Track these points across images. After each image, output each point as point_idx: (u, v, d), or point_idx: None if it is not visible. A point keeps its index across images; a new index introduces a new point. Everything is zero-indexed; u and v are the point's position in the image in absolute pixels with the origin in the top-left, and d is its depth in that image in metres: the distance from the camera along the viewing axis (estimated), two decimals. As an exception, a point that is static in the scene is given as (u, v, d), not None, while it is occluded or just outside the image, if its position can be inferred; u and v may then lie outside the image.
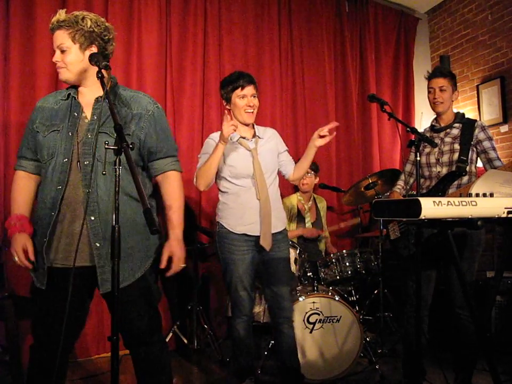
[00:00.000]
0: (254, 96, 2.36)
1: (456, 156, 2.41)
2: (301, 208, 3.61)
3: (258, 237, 2.31)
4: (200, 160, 2.42)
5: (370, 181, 3.36)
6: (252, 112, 2.36)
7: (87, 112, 1.73)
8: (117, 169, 1.44)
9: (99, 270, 1.66)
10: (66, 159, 1.67)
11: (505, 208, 1.55)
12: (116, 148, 1.41)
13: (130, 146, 1.39)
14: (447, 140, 2.48)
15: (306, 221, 3.58)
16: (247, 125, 2.40)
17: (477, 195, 1.56)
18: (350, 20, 4.51)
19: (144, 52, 3.51)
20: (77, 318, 1.74)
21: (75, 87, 1.78)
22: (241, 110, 2.34)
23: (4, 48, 3.04)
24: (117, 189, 1.43)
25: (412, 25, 4.84)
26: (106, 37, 1.75)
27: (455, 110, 2.60)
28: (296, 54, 4.20)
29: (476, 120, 2.50)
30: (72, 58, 1.70)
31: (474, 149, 2.44)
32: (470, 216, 1.52)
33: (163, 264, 1.72)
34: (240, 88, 2.32)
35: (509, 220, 1.57)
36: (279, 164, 2.49)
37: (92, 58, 1.61)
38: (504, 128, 4.05)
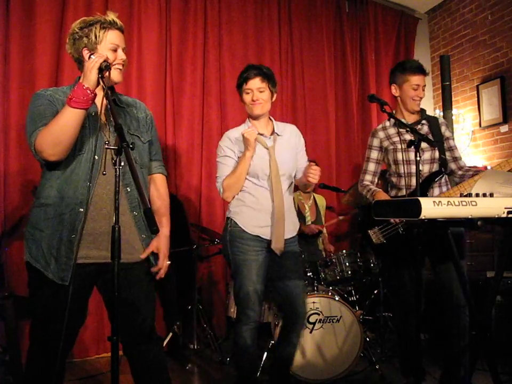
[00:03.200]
0: (261, 91, 2.17)
1: (437, 153, 2.33)
2: (301, 207, 3.62)
3: (270, 240, 2.19)
4: (219, 166, 2.26)
5: (370, 181, 3.36)
6: (260, 103, 2.18)
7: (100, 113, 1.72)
8: (117, 169, 1.45)
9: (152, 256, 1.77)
10: (97, 157, 1.65)
11: (505, 208, 1.55)
12: (116, 147, 1.42)
13: (131, 146, 1.39)
14: None
15: (306, 220, 3.60)
16: (254, 118, 2.25)
17: (477, 195, 1.56)
18: (350, 20, 4.51)
19: (144, 52, 3.51)
20: (81, 316, 1.73)
21: None
22: (248, 106, 2.22)
23: (4, 48, 3.04)
24: (117, 188, 1.44)
25: (412, 25, 4.84)
26: None
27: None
28: (296, 54, 4.20)
29: (437, 117, 2.45)
30: None
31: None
32: (470, 216, 1.52)
33: (143, 255, 1.74)
34: (244, 83, 2.20)
35: (509, 219, 1.57)
36: (297, 168, 2.30)
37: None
38: (504, 128, 4.05)
